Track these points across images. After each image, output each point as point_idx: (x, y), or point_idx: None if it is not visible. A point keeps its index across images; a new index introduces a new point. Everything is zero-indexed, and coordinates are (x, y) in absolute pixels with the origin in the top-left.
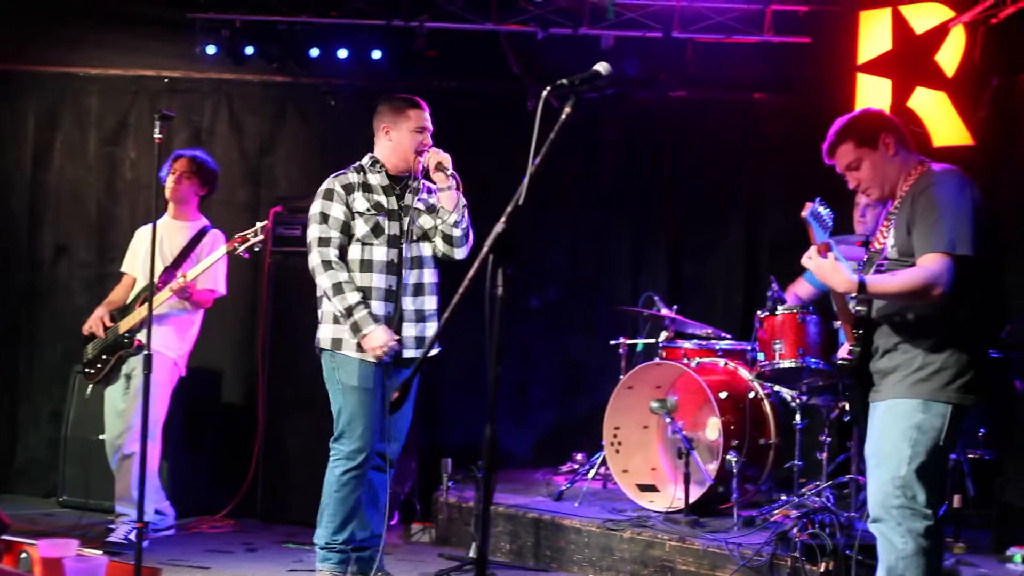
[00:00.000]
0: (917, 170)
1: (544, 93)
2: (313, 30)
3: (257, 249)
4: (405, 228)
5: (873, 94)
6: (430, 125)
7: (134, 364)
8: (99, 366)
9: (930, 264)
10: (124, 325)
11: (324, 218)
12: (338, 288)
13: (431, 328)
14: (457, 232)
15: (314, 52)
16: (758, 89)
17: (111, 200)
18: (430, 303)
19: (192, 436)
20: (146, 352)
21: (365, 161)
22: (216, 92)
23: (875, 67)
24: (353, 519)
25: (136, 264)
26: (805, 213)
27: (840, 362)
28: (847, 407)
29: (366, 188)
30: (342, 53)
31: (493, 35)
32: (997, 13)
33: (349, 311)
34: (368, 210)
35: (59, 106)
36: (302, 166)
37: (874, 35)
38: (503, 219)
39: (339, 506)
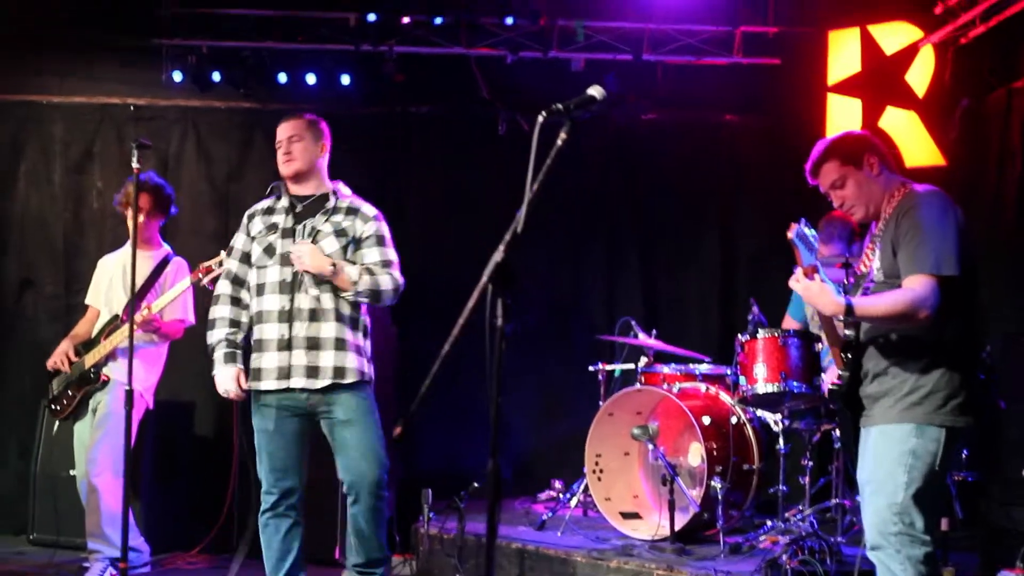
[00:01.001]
0: (900, 191)
1: (540, 118)
2: (280, 55)
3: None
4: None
5: (843, 114)
6: (294, 132)
7: (100, 398)
8: (64, 402)
9: (916, 286)
10: (90, 360)
11: (230, 250)
12: (211, 324)
13: (325, 357)
14: (361, 300)
15: (282, 77)
16: (729, 110)
17: (77, 230)
18: (327, 330)
19: (165, 470)
20: (127, 388)
21: (274, 184)
22: (183, 119)
23: (845, 87)
24: (281, 566)
25: (100, 296)
26: (791, 234)
27: (830, 387)
28: (829, 431)
29: (267, 212)
30: (310, 78)
31: (463, 59)
32: (966, 33)
33: (211, 348)
34: (260, 232)
35: (22, 135)
36: None
37: (843, 55)
38: (501, 248)
39: (264, 551)
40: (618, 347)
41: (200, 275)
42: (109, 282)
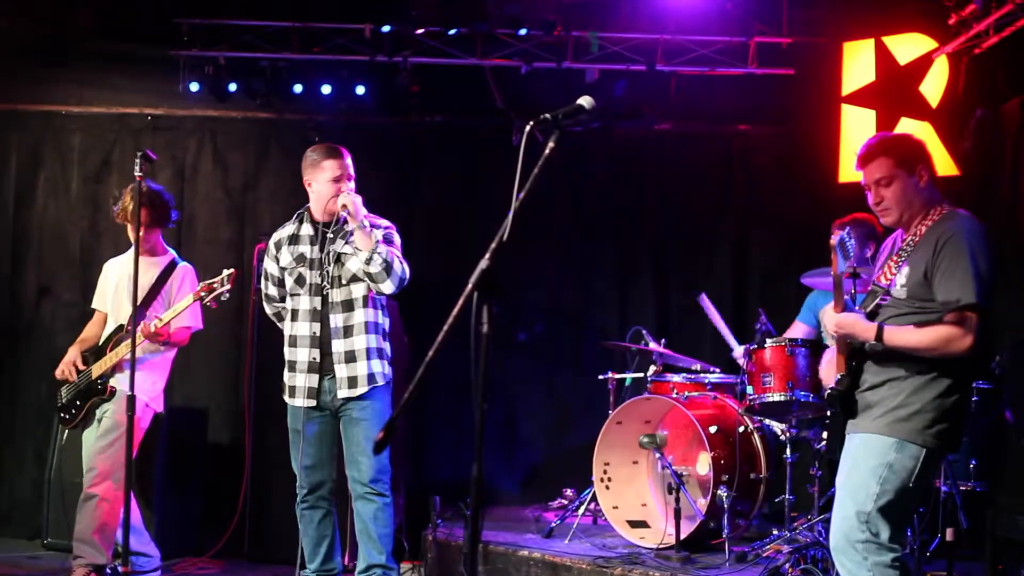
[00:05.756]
0: (937, 211)
1: (528, 127)
2: (296, 66)
3: (224, 299)
4: (329, 274)
5: (858, 125)
6: (351, 171)
7: (106, 408)
8: (73, 411)
9: (958, 322)
10: (96, 370)
11: (265, 274)
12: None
13: (362, 367)
14: (372, 269)
15: (297, 88)
16: (742, 121)
17: (94, 238)
18: (360, 342)
19: (178, 476)
20: (129, 394)
21: (300, 211)
22: (200, 129)
23: (859, 98)
24: (318, 551)
25: (106, 300)
26: (834, 241)
27: (828, 391)
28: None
29: (293, 240)
30: (326, 89)
31: (477, 70)
32: (980, 44)
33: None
34: (291, 263)
35: (42, 144)
36: (286, 202)
37: (858, 66)
38: (487, 255)
39: (302, 538)
40: (629, 356)
41: (203, 293)
42: (115, 289)
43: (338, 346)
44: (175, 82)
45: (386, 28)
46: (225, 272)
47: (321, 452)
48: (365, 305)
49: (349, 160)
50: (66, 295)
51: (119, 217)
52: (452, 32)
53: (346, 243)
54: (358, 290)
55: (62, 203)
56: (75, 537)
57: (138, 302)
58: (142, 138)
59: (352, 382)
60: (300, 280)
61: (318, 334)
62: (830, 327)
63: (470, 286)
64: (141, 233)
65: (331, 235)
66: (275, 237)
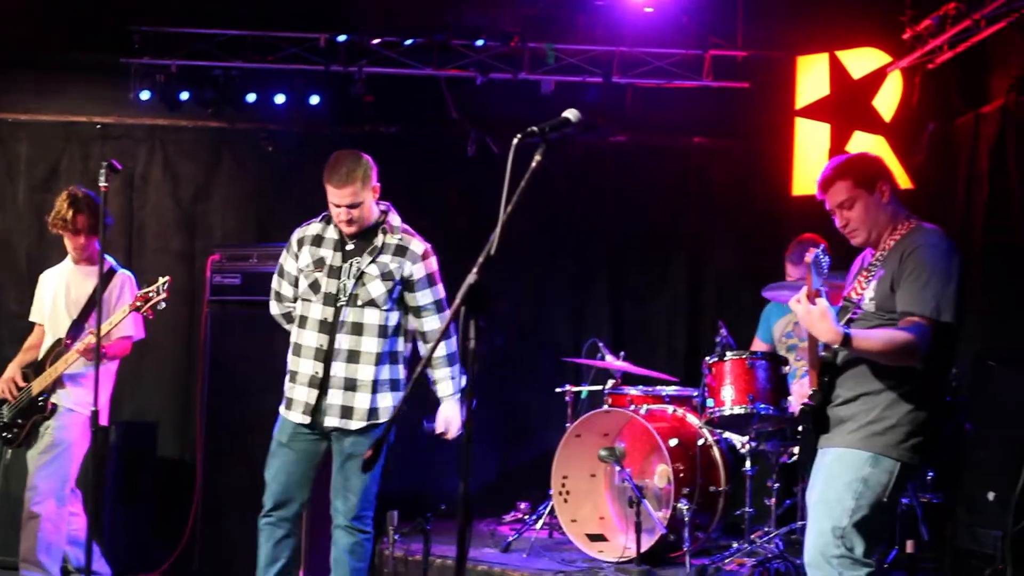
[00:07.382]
0: (905, 225)
1: (515, 141)
2: (249, 75)
3: (161, 307)
4: (346, 289)
5: (812, 138)
6: (358, 198)
7: (48, 425)
8: (15, 430)
9: (913, 328)
10: (36, 387)
11: (279, 270)
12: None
13: (361, 399)
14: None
15: (251, 97)
16: (697, 133)
17: (41, 249)
18: (365, 372)
19: (128, 490)
20: (93, 408)
21: (326, 212)
22: (150, 138)
23: (813, 111)
24: (270, 571)
25: (44, 313)
26: (809, 258)
27: (800, 406)
28: (796, 452)
29: (317, 241)
30: (279, 98)
31: (433, 80)
32: (933, 59)
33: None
34: (308, 266)
35: None
36: (238, 213)
37: (812, 80)
38: (474, 270)
39: (258, 552)
40: (585, 369)
41: (138, 303)
42: (53, 301)
43: (338, 370)
44: (125, 90)
45: (342, 37)
46: (160, 280)
47: (298, 472)
48: (377, 335)
49: (357, 186)
50: (12, 306)
51: (55, 225)
52: (408, 42)
53: (372, 262)
54: (371, 316)
55: (9, 213)
56: (21, 557)
57: (92, 314)
58: (91, 147)
59: (346, 412)
60: (315, 286)
61: (324, 347)
62: (797, 311)
63: (458, 301)
64: (82, 241)
65: (352, 246)
66: (298, 234)
